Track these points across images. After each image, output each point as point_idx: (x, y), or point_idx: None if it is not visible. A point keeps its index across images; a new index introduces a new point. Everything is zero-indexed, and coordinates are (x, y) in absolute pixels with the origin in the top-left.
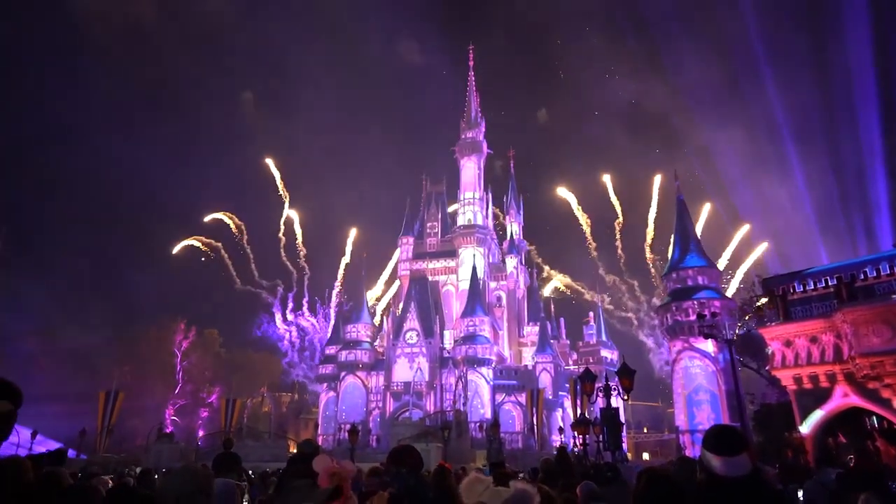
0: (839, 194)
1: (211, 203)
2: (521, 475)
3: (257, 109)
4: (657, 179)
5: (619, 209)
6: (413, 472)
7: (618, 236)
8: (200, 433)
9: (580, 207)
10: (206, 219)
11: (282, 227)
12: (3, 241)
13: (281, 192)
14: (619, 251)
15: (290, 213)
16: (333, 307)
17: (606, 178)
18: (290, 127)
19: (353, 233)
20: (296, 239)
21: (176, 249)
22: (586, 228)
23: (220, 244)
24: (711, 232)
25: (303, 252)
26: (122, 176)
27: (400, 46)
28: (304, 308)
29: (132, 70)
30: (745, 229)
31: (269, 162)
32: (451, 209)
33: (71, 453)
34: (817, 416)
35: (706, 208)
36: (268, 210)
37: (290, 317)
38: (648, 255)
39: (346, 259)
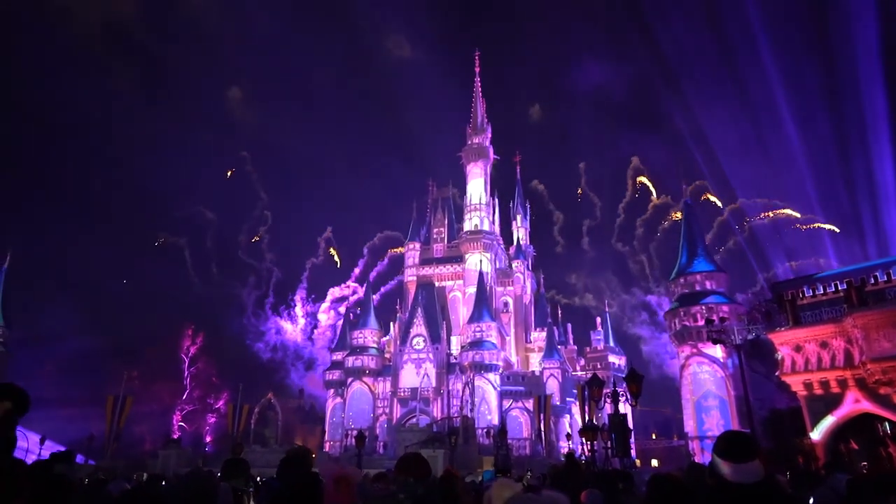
0: (849, 197)
1: (196, 202)
2: (527, 476)
3: (248, 106)
4: (636, 171)
5: (596, 202)
6: (421, 482)
7: (584, 233)
8: (208, 439)
9: (550, 204)
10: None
11: (256, 229)
12: (11, 247)
13: (261, 193)
14: (586, 246)
15: (266, 212)
16: (301, 307)
17: (590, 185)
18: (281, 126)
19: (327, 233)
20: (263, 240)
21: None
22: (557, 225)
23: (183, 241)
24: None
25: (268, 256)
26: (110, 173)
27: (397, 46)
28: (266, 308)
29: (114, 64)
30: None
31: (246, 156)
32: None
33: (79, 458)
34: (828, 421)
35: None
36: (248, 210)
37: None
38: (618, 246)
39: (314, 259)
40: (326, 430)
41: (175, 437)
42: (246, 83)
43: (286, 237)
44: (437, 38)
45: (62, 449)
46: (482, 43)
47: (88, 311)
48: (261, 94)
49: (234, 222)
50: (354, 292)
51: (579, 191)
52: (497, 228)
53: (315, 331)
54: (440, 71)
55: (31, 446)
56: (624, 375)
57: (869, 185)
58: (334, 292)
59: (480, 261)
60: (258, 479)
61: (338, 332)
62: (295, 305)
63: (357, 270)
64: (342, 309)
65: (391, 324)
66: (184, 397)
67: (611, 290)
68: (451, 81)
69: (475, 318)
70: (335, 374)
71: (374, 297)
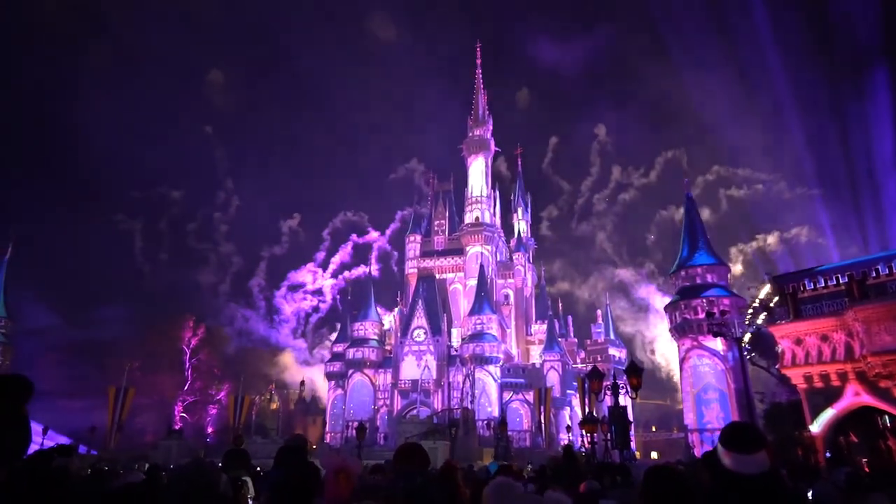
0: (851, 190)
1: (164, 185)
2: (527, 469)
3: (228, 88)
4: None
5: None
6: (420, 471)
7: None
8: (209, 430)
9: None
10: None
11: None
12: (14, 238)
13: (228, 181)
14: (546, 230)
15: (234, 199)
16: (256, 297)
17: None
18: (265, 110)
19: (295, 220)
20: (223, 226)
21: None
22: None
23: (138, 225)
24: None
25: (226, 248)
26: (90, 160)
27: (383, 28)
28: (220, 294)
29: (83, 40)
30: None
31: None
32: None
33: (81, 449)
34: (828, 415)
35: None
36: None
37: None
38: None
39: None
40: (327, 421)
41: (177, 428)
42: (226, 65)
43: (254, 223)
44: (426, 24)
45: (64, 439)
46: (472, 30)
47: (88, 303)
48: (243, 77)
49: (205, 207)
50: (316, 278)
51: (544, 158)
52: (498, 221)
53: (278, 317)
54: (432, 59)
55: (33, 436)
56: (624, 368)
57: (870, 178)
58: (295, 277)
59: (481, 253)
60: (259, 469)
61: (300, 319)
62: (255, 290)
63: (321, 255)
64: (299, 295)
65: (392, 316)
66: (185, 388)
67: (582, 274)
68: (440, 69)
69: (476, 310)
70: (336, 366)
71: (336, 285)
